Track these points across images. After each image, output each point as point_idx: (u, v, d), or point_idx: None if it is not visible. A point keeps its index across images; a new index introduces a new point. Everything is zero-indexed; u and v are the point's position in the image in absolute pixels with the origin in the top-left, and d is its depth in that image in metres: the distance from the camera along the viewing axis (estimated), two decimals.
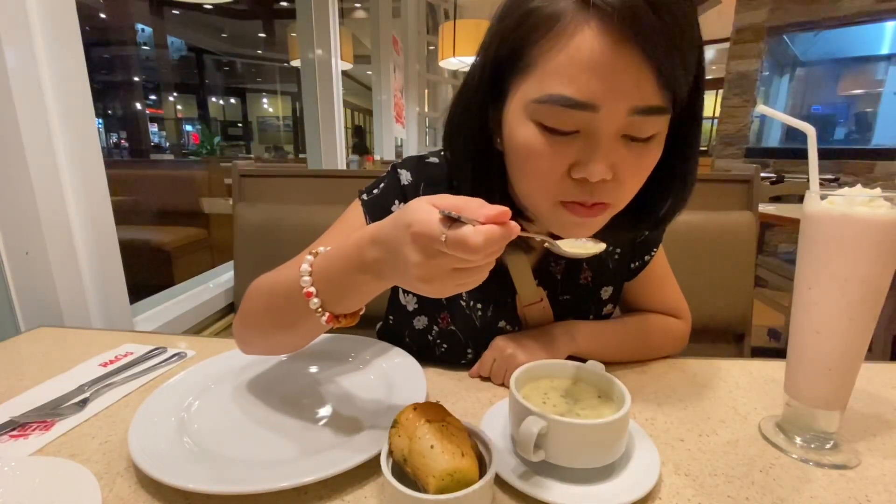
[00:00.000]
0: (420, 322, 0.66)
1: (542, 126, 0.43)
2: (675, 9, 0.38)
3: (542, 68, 0.42)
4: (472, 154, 0.52)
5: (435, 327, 0.65)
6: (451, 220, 0.32)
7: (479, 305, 0.63)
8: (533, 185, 0.48)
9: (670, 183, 0.52)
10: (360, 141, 5.90)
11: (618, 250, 0.67)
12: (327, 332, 0.57)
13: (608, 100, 0.40)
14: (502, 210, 0.32)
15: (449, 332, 0.64)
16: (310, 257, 0.44)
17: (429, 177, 0.61)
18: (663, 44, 0.38)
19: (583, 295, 0.66)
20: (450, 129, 0.54)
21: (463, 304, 0.63)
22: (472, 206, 0.33)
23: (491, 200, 0.54)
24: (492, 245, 0.31)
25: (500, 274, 0.62)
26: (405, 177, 0.61)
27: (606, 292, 0.68)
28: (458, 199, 0.34)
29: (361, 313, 0.45)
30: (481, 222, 0.31)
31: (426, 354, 0.64)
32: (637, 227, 0.56)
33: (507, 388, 0.58)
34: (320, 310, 0.42)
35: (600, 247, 0.43)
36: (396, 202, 0.60)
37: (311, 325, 0.44)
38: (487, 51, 0.47)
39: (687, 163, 0.51)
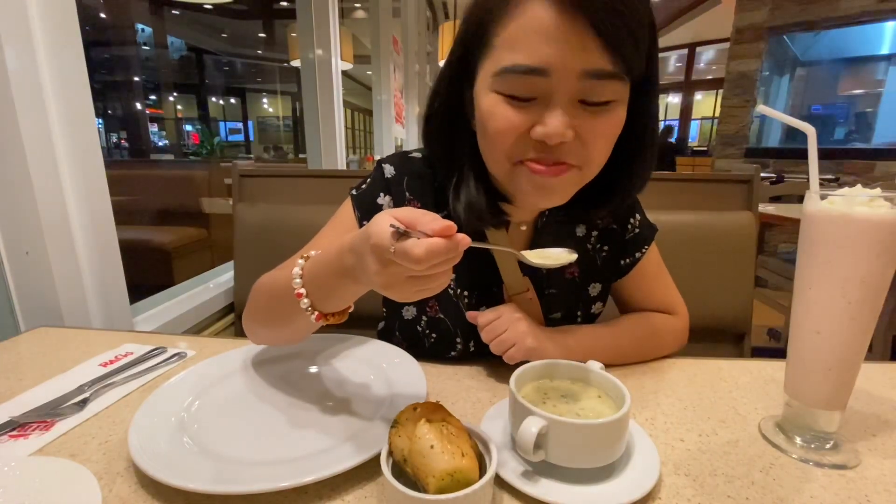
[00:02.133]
0: (409, 312, 0.66)
1: (503, 95, 0.47)
2: None
3: (500, 44, 0.47)
4: (446, 136, 0.57)
5: (423, 317, 0.66)
6: (401, 234, 0.35)
7: (465, 293, 0.64)
8: (496, 147, 0.51)
9: (632, 154, 0.55)
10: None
11: (605, 247, 0.67)
12: (326, 331, 0.58)
13: (557, 64, 0.44)
14: (447, 224, 0.34)
15: (437, 321, 0.65)
16: (301, 261, 0.47)
17: (412, 171, 0.64)
18: (607, 11, 0.42)
19: (569, 290, 0.66)
20: (427, 114, 0.58)
21: (451, 291, 0.64)
22: (423, 219, 0.35)
23: (467, 180, 0.57)
24: (434, 256, 0.34)
25: (487, 262, 0.63)
26: (388, 170, 0.64)
27: (595, 289, 0.68)
28: (412, 213, 0.36)
29: (350, 311, 0.48)
30: (428, 235, 0.34)
31: (416, 348, 0.64)
32: (606, 203, 0.59)
33: (496, 351, 0.58)
34: (310, 309, 0.45)
35: (571, 257, 0.45)
36: (381, 194, 0.63)
37: (303, 322, 0.47)
38: (456, 41, 0.53)
39: (645, 132, 0.54)
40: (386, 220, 0.36)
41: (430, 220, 0.35)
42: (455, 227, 0.35)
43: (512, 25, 0.45)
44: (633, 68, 0.46)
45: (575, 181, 0.51)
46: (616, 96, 0.47)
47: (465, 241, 0.35)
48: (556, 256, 0.46)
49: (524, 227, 0.64)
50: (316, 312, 0.45)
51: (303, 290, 0.45)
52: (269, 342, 0.60)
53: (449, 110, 0.56)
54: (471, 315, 0.61)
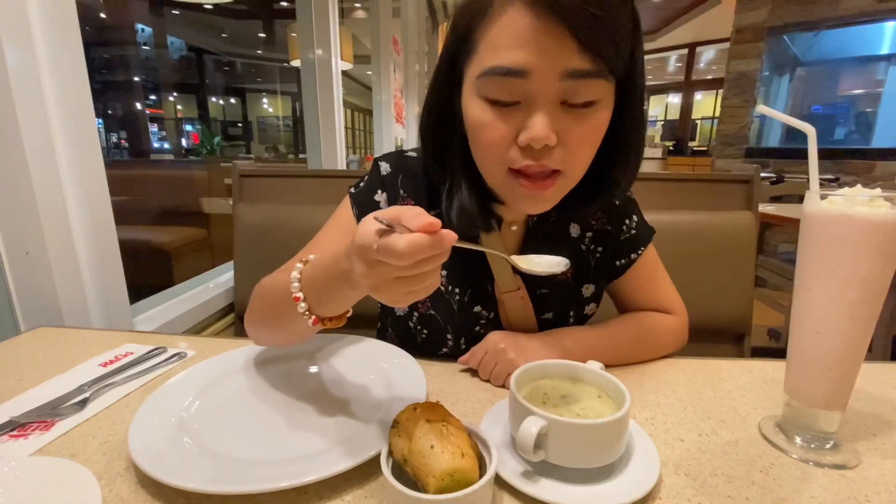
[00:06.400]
0: (401, 308, 0.67)
1: (487, 100, 0.48)
2: None
3: (481, 48, 0.48)
4: (440, 140, 0.57)
5: (415, 313, 0.66)
6: (386, 231, 0.34)
7: (456, 290, 0.64)
8: (485, 156, 0.52)
9: (619, 152, 0.55)
10: None
11: (599, 248, 0.67)
12: (326, 333, 0.58)
13: (536, 65, 0.44)
14: (430, 221, 0.34)
15: (428, 317, 0.66)
16: (299, 265, 0.47)
17: (406, 169, 0.65)
18: (582, 14, 0.42)
19: (562, 291, 0.66)
20: (423, 118, 0.58)
21: (442, 288, 0.64)
22: (407, 214, 0.35)
23: (459, 184, 0.58)
24: (419, 252, 0.33)
25: (479, 260, 0.63)
26: (384, 168, 0.65)
27: (588, 290, 0.68)
28: (396, 210, 0.36)
29: (348, 315, 0.48)
30: (413, 231, 0.33)
31: (409, 345, 0.65)
32: (591, 202, 0.59)
33: (495, 384, 0.59)
34: (307, 313, 0.45)
35: (558, 269, 0.44)
36: (378, 191, 0.64)
37: (301, 325, 0.47)
38: (444, 44, 0.54)
39: (630, 131, 0.54)
40: (369, 220, 0.36)
41: (413, 215, 0.34)
42: (439, 223, 0.34)
43: (493, 30, 0.46)
44: (615, 68, 0.46)
45: (561, 188, 0.52)
46: (598, 96, 0.47)
47: (450, 237, 0.34)
48: (546, 264, 0.45)
49: (515, 227, 0.64)
50: (313, 317, 0.45)
51: (300, 294, 0.45)
52: (271, 344, 0.61)
53: (441, 116, 0.56)
54: (462, 360, 0.62)
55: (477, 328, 0.65)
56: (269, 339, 0.58)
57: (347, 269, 0.40)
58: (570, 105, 0.47)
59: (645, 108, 0.54)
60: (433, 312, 0.65)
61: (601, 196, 0.59)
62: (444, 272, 0.64)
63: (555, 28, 0.43)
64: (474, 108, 0.49)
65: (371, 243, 0.35)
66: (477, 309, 0.65)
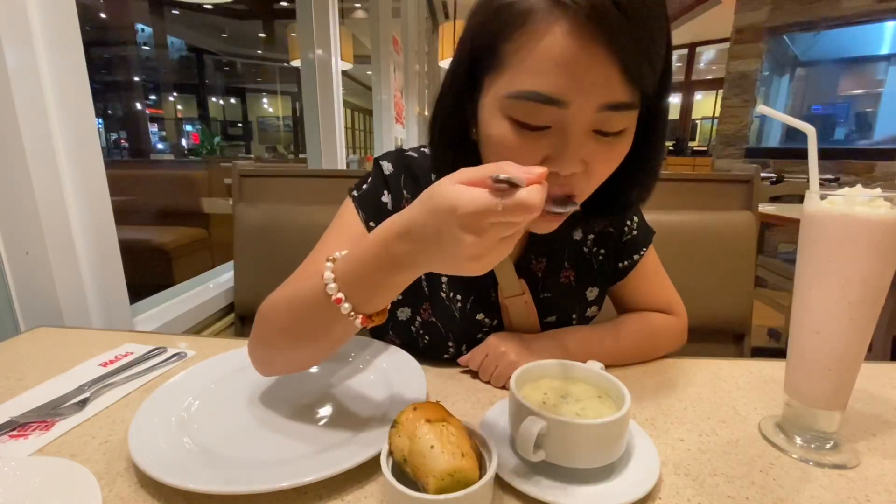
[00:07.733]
0: (403, 313, 0.66)
1: (515, 121, 0.44)
2: (640, 8, 0.39)
3: (514, 65, 0.43)
4: (449, 143, 0.55)
5: (418, 318, 0.65)
6: (500, 191, 0.32)
7: (458, 297, 0.63)
8: None
9: (637, 173, 0.53)
10: None
11: (602, 250, 0.67)
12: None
13: (577, 96, 0.41)
14: (543, 171, 0.33)
15: (430, 324, 0.65)
16: (329, 263, 0.43)
17: (408, 168, 0.63)
18: (629, 42, 0.39)
19: (565, 294, 0.66)
20: (432, 120, 0.56)
21: (443, 295, 0.64)
22: (509, 169, 0.33)
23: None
24: (543, 202, 0.33)
25: None
26: (387, 167, 0.63)
27: (592, 293, 0.68)
28: (490, 167, 0.34)
29: (388, 309, 0.45)
30: (524, 185, 0.32)
31: (410, 349, 0.64)
32: (606, 215, 0.58)
33: (495, 386, 0.59)
34: (353, 313, 0.41)
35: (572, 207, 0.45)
36: (385, 192, 0.62)
37: (341, 330, 0.44)
38: (463, 45, 0.49)
39: (653, 154, 0.52)
40: (462, 187, 0.33)
41: (515, 169, 0.33)
42: (545, 170, 0.33)
43: (529, 46, 0.41)
44: (648, 93, 0.44)
45: (571, 212, 0.50)
46: (629, 124, 0.45)
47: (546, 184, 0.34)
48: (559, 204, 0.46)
49: None
50: (360, 316, 0.42)
51: (341, 295, 0.41)
52: (288, 369, 0.54)
53: (454, 122, 0.53)
54: (462, 360, 0.62)
55: (479, 336, 0.65)
56: (289, 362, 0.52)
57: (406, 251, 0.37)
58: (599, 133, 0.44)
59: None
60: (434, 320, 0.65)
61: (618, 209, 0.57)
62: (445, 278, 0.63)
63: (601, 57, 0.39)
64: (498, 127, 0.45)
65: (493, 206, 0.32)
66: (479, 317, 0.64)
